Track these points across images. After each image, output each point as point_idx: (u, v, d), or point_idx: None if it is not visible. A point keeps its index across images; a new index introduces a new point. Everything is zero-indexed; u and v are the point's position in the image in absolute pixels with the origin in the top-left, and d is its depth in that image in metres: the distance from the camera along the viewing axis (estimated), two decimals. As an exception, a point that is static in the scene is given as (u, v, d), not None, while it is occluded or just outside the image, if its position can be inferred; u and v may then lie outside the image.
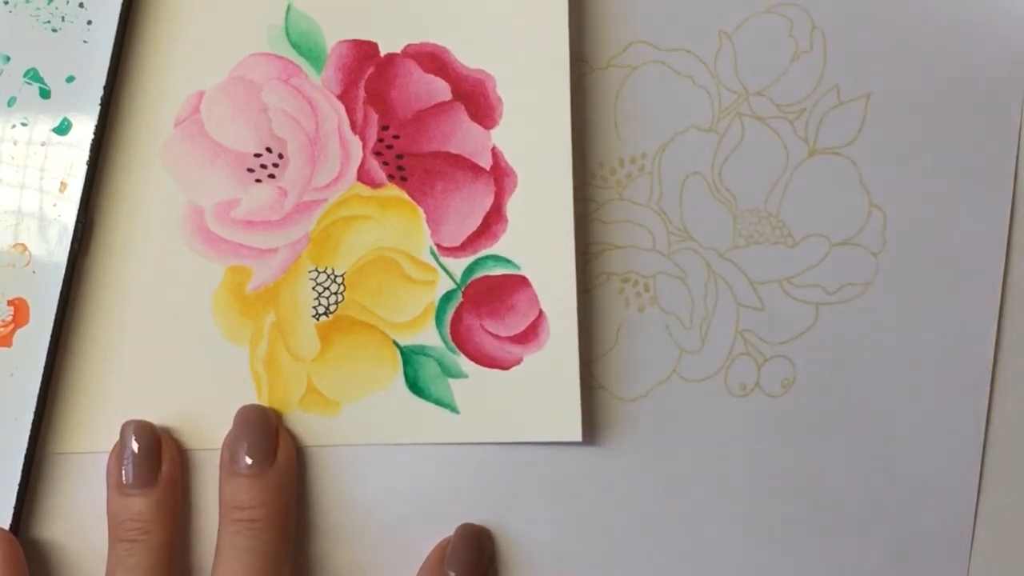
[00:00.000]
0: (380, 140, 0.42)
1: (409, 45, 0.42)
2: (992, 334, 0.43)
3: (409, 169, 0.42)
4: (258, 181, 0.42)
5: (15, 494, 0.40)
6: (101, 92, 0.40)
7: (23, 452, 0.40)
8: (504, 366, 0.42)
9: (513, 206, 0.41)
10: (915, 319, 0.43)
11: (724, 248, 0.43)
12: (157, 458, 0.41)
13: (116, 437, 0.41)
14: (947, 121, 0.42)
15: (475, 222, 0.42)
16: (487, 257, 0.42)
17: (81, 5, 0.41)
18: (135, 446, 0.40)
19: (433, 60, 0.41)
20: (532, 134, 0.41)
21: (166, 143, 0.41)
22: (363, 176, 0.42)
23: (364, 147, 0.42)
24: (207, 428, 0.42)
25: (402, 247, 0.42)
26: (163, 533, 0.40)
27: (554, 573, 0.43)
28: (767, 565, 0.43)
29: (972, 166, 0.43)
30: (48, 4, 0.41)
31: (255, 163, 0.42)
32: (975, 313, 0.43)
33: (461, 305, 0.42)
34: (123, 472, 0.40)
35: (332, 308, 0.42)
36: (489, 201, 0.42)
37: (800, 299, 0.43)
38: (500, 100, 0.41)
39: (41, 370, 0.40)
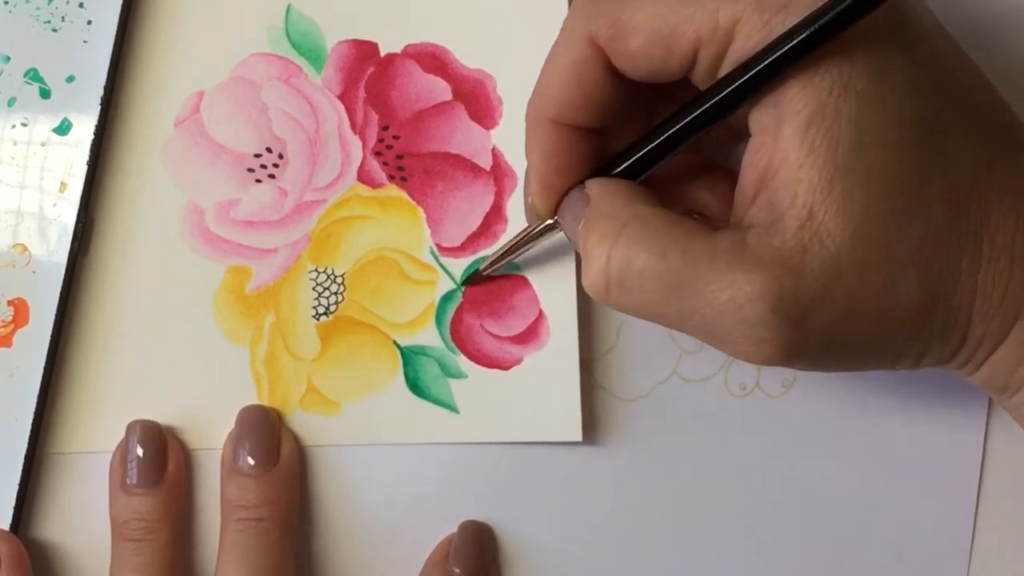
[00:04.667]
0: (380, 140, 0.42)
1: (409, 45, 0.41)
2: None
3: (409, 169, 0.42)
4: (258, 181, 0.42)
5: (15, 494, 0.40)
6: (101, 92, 0.40)
7: (23, 452, 0.40)
8: (504, 366, 0.42)
9: (513, 206, 0.41)
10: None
11: (724, 248, 0.42)
12: (163, 457, 0.41)
13: (116, 437, 0.41)
14: (947, 121, 0.42)
15: (475, 222, 0.42)
16: (487, 257, 0.41)
17: (81, 5, 0.41)
18: (141, 445, 0.40)
19: (433, 60, 0.41)
20: (532, 134, 0.41)
21: (166, 143, 0.41)
22: (363, 176, 0.42)
23: (364, 147, 0.42)
24: (207, 428, 0.42)
25: (402, 247, 0.42)
26: (168, 533, 0.40)
27: (554, 573, 0.43)
28: (767, 565, 0.43)
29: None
30: (48, 4, 0.41)
31: (255, 163, 0.42)
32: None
33: (461, 305, 0.42)
34: (128, 471, 0.40)
35: (332, 308, 0.42)
36: (489, 201, 0.42)
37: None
38: (500, 100, 0.41)
39: (41, 370, 0.40)
